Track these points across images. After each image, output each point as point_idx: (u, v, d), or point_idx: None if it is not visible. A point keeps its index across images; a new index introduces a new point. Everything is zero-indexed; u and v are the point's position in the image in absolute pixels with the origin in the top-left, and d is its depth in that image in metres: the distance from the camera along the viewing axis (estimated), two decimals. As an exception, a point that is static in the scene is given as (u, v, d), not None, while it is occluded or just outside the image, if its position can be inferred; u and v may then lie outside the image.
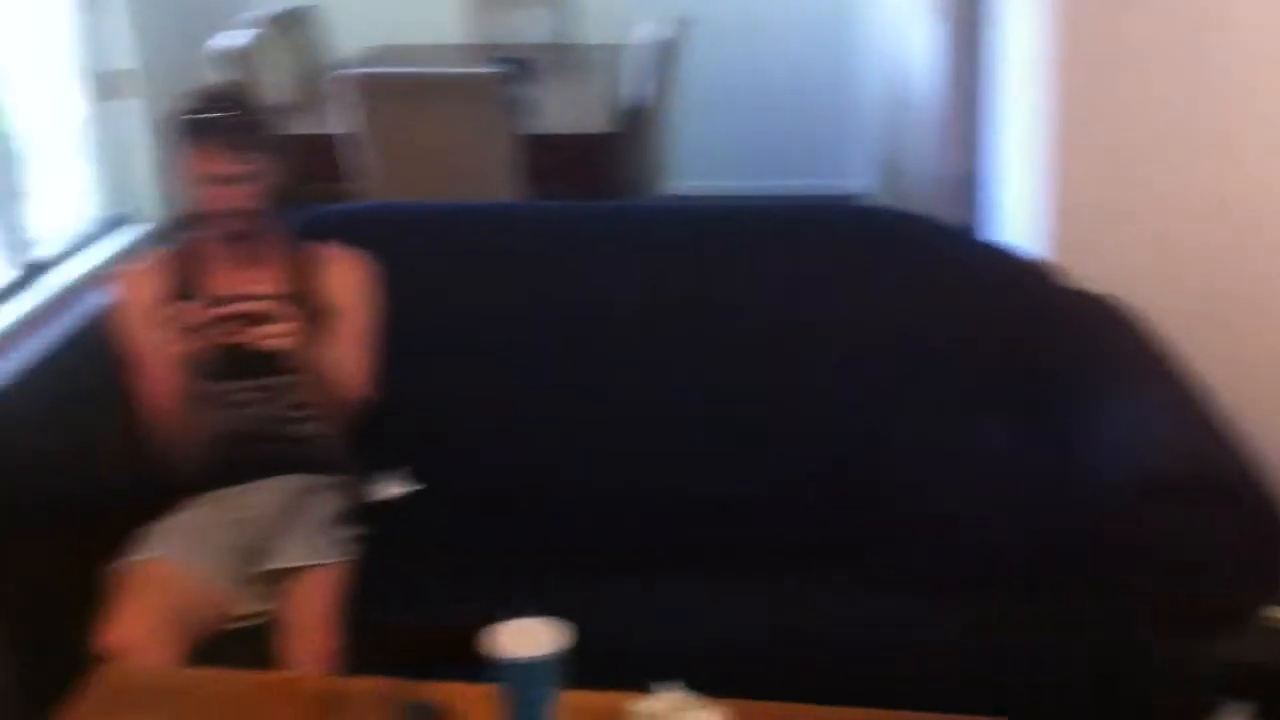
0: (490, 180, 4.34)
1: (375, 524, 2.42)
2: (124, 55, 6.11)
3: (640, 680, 1.80)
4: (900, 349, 2.70)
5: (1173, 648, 2.21)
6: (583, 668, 1.70)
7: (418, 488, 2.51)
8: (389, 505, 2.49)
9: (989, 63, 3.43)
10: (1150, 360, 2.58)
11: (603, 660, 1.76)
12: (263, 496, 2.47)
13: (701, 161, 6.20)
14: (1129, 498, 2.20)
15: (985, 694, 2.06)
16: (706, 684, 1.77)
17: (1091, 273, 2.81)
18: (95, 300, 2.81)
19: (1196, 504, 2.16)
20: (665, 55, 4.79)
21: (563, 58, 5.87)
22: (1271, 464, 2.32)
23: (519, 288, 2.87)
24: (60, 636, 2.23)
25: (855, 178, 6.54)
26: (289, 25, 5.35)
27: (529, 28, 6.03)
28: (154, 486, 2.47)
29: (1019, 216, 3.11)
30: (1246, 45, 2.79)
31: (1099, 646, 2.22)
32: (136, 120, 6.19)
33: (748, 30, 6.46)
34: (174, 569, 2.27)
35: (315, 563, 2.31)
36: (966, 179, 3.98)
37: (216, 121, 2.43)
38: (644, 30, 5.06)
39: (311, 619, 2.21)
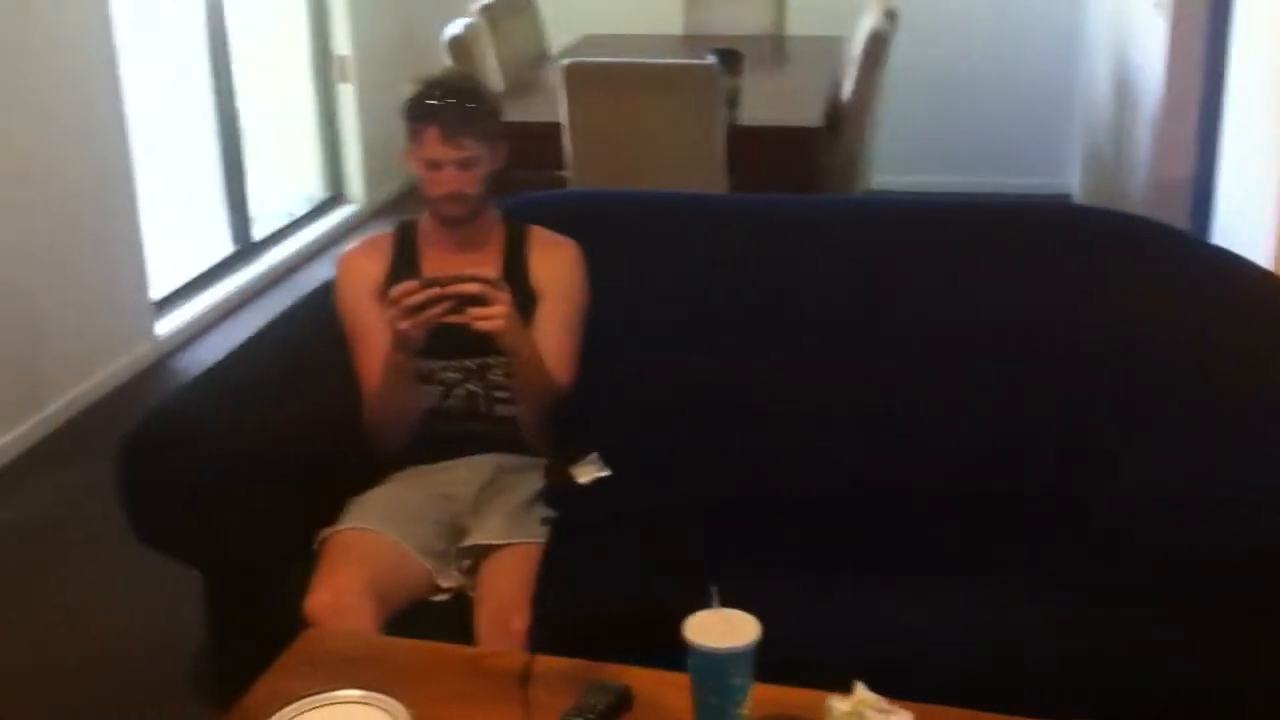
0: (698, 171, 4.35)
1: (567, 507, 2.45)
2: (343, 41, 6.31)
3: (817, 678, 1.79)
4: (1124, 356, 2.60)
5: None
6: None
7: (609, 474, 2.53)
8: (582, 489, 2.52)
9: (1218, 62, 3.31)
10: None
11: (779, 655, 1.75)
12: (464, 473, 2.53)
13: (906, 156, 6.11)
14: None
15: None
16: (890, 685, 1.76)
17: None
18: (315, 277, 2.90)
19: None
20: (875, 48, 4.74)
21: (773, 50, 5.85)
22: None
23: (721, 279, 2.87)
24: (266, 601, 2.32)
25: (1061, 177, 6.38)
26: (505, 14, 5.45)
27: (740, 19, 6.02)
28: (363, 459, 2.55)
29: (1243, 223, 2.98)
30: None
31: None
32: (352, 104, 6.39)
33: (958, 23, 6.35)
34: (377, 540, 2.34)
35: (513, 541, 2.35)
36: (1184, 182, 3.84)
37: (442, 107, 2.49)
38: (856, 23, 5.02)
39: (505, 596, 2.25)
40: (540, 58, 5.72)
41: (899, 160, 6.04)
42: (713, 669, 1.66)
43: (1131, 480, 2.43)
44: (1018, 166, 6.42)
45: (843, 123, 4.83)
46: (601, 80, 4.36)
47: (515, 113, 4.69)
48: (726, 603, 1.70)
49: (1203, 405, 2.46)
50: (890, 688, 1.75)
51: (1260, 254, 2.82)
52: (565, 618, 2.19)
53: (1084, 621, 2.19)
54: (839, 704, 1.74)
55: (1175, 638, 2.14)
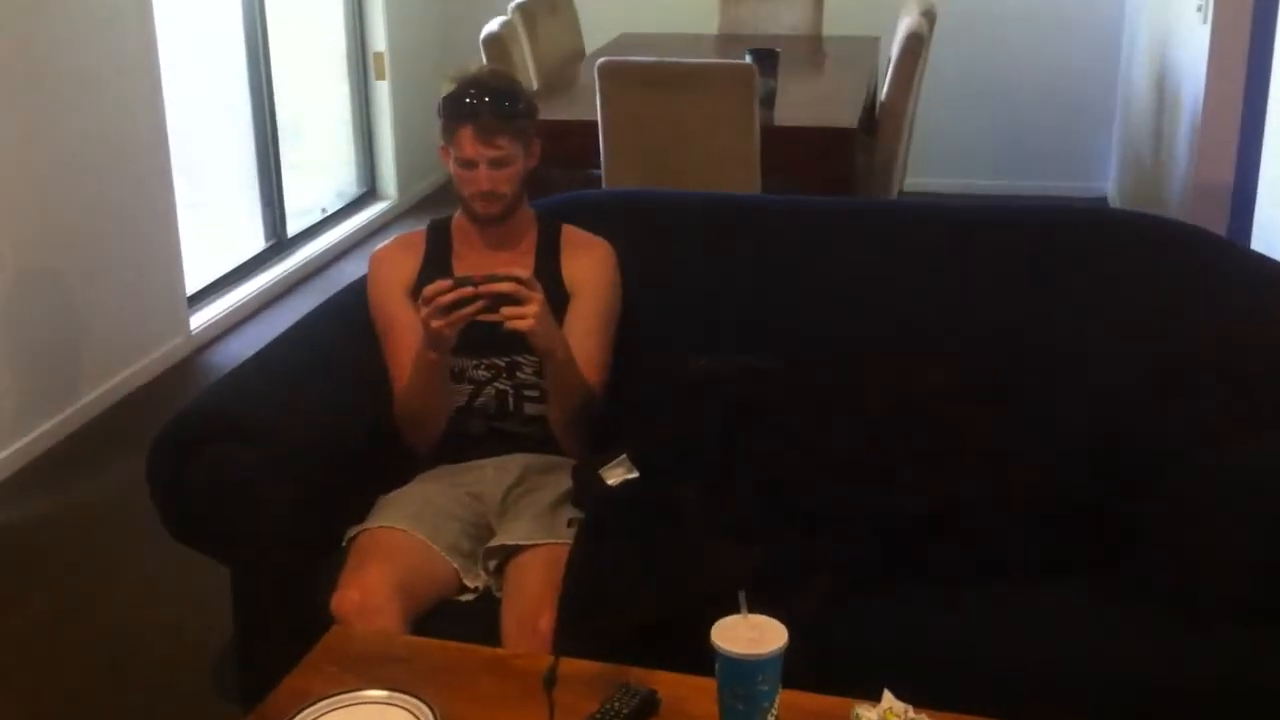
0: (733, 171, 4.33)
1: (596, 509, 2.44)
2: (380, 38, 6.33)
3: (847, 685, 1.78)
4: (1157, 360, 2.57)
5: None
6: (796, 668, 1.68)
7: (637, 476, 2.52)
8: (611, 491, 2.51)
9: (1260, 66, 3.27)
10: None
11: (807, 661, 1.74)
12: (492, 473, 2.52)
13: (942, 159, 6.09)
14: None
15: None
16: (921, 693, 1.74)
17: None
18: (348, 273, 2.90)
19: None
20: (912, 49, 4.71)
21: (810, 50, 5.83)
22: None
23: (757, 280, 2.85)
24: (293, 598, 2.32)
25: (1098, 181, 6.33)
26: (541, 12, 5.45)
27: (777, 18, 6.01)
28: (393, 457, 2.55)
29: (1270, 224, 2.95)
30: None
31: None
32: (386, 101, 6.41)
33: (995, 25, 6.31)
34: (405, 539, 2.33)
35: (540, 542, 2.34)
36: (1224, 187, 3.80)
37: (478, 106, 2.49)
38: (895, 24, 4.99)
39: (532, 597, 2.24)
40: (576, 56, 5.72)
41: (936, 162, 6.02)
42: (739, 675, 1.65)
43: (1167, 487, 2.40)
44: (1054, 170, 6.38)
45: (879, 124, 4.80)
46: (637, 79, 4.35)
47: (550, 111, 4.70)
48: (754, 609, 1.69)
49: (1236, 411, 2.43)
50: (920, 695, 1.74)
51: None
52: (592, 620, 2.17)
53: (1113, 628, 2.18)
54: (866, 712, 1.73)
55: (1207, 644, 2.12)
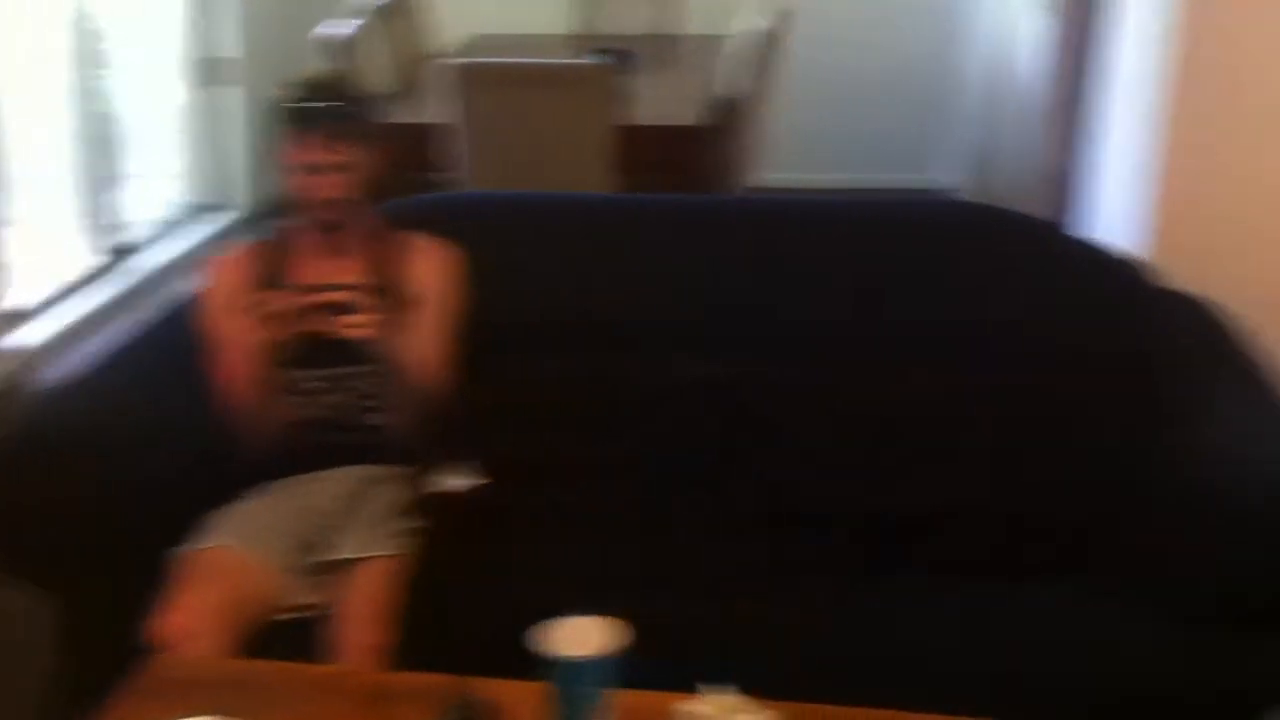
0: (586, 172, 4.31)
1: (440, 516, 2.39)
2: (227, 43, 6.19)
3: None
4: (984, 344, 2.62)
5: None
6: (646, 669, 1.66)
7: (485, 481, 2.48)
8: (458, 497, 2.47)
9: (1097, 58, 3.33)
10: (1243, 366, 2.50)
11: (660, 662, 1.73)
12: (329, 486, 2.46)
13: (795, 154, 6.12)
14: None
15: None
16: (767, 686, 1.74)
17: (1190, 274, 2.72)
18: (182, 286, 2.82)
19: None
20: (764, 47, 4.73)
21: (661, 48, 5.83)
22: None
23: (604, 280, 2.84)
24: (118, 623, 2.23)
25: (948, 172, 6.42)
26: (392, 14, 5.37)
27: (628, 18, 6.00)
28: (225, 473, 2.47)
29: (1117, 214, 3.02)
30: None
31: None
32: (234, 108, 6.27)
33: (847, 22, 6.37)
34: (232, 558, 2.27)
35: (371, 554, 2.29)
36: (1063, 175, 3.87)
37: (315, 111, 2.43)
38: (744, 21, 5.00)
39: (365, 612, 2.19)
40: (431, 57, 5.65)
41: (787, 157, 6.04)
42: (562, 678, 1.64)
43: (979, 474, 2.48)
44: (905, 163, 6.46)
45: (730, 121, 4.81)
46: (494, 80, 4.31)
47: (405, 114, 4.64)
48: (591, 611, 1.67)
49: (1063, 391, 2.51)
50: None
51: (1136, 245, 2.85)
52: (430, 631, 2.13)
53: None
54: (698, 706, 1.71)
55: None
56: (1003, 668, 2.19)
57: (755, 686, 1.72)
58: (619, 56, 4.63)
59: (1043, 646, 2.23)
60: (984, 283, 2.66)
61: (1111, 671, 2.17)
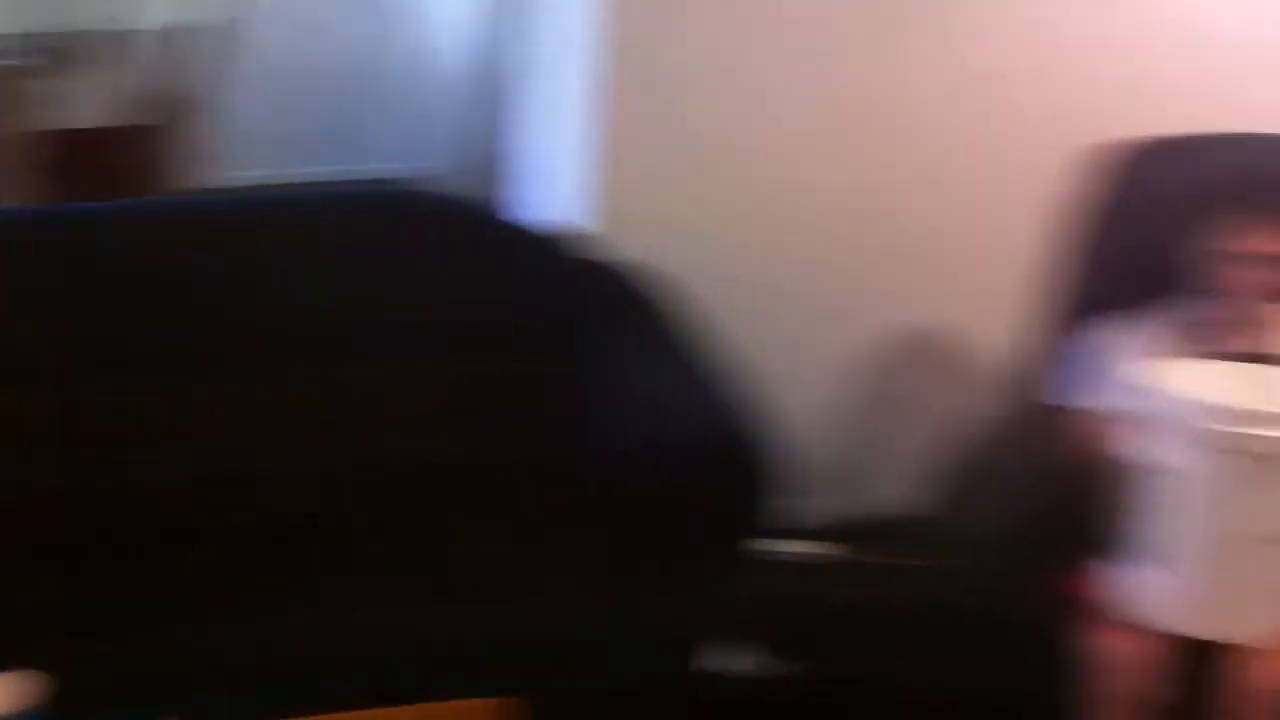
0: (13, 180, 4.04)
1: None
2: None
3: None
4: (406, 331, 2.66)
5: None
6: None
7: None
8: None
9: (526, 31, 3.34)
10: (661, 332, 2.63)
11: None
12: None
13: (260, 149, 5.97)
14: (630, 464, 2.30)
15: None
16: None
17: (636, 243, 2.81)
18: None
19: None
20: (215, 39, 4.57)
21: (112, 46, 5.52)
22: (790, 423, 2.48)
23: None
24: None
25: (431, 159, 6.44)
26: None
27: (64, 13, 5.64)
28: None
29: (561, 188, 3.06)
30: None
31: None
32: None
33: (309, 11, 6.27)
34: None
35: None
36: (505, 153, 3.93)
37: None
38: (196, 12, 4.82)
39: None
40: None
41: (258, 154, 5.89)
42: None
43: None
44: (378, 152, 6.43)
45: (175, 119, 4.64)
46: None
47: None
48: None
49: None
50: None
51: (585, 219, 2.94)
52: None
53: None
54: None
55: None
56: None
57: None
58: (51, 56, 4.35)
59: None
60: (399, 269, 2.67)
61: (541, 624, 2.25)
